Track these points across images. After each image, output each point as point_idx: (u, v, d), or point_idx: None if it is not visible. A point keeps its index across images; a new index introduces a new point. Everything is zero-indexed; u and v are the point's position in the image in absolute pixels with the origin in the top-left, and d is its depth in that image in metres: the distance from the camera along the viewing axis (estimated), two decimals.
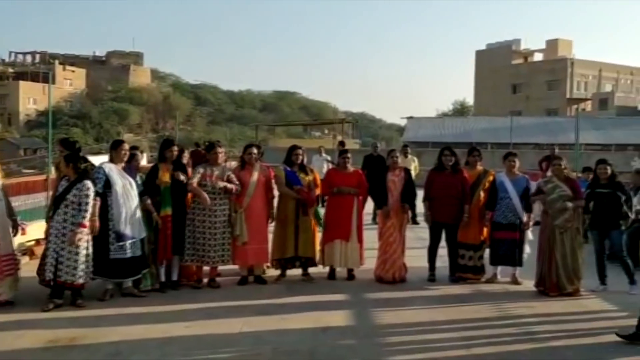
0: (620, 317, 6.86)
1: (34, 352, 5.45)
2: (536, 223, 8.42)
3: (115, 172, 7.13)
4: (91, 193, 6.66)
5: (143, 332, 5.98)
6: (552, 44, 71.24)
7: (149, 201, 7.40)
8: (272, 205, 8.25)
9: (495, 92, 67.55)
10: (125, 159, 7.35)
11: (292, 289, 7.85)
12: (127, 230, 7.04)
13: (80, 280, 6.68)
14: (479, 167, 8.50)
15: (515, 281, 8.25)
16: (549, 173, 9.23)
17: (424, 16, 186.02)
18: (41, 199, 11.10)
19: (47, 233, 6.94)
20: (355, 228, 8.27)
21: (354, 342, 5.87)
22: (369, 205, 9.06)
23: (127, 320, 6.37)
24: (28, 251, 9.39)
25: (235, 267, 8.16)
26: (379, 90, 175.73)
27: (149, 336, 5.88)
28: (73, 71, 78.84)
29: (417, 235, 10.84)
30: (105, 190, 7.00)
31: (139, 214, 7.21)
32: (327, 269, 8.44)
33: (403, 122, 56.91)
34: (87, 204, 6.62)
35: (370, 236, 8.73)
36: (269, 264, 8.38)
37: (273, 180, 8.33)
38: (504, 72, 68.44)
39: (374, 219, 11.77)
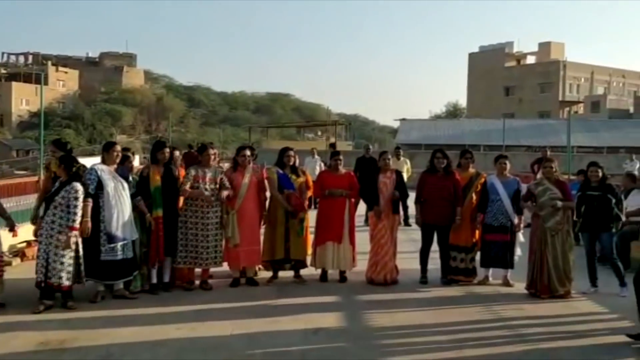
0: (611, 319, 6.91)
1: (25, 355, 5.42)
2: (527, 225, 8.45)
3: (107, 173, 7.12)
4: (80, 195, 6.63)
5: (134, 335, 5.96)
6: (545, 47, 71.54)
7: (142, 202, 7.39)
8: (264, 207, 8.25)
9: (488, 95, 67.77)
10: (118, 160, 7.34)
11: (284, 290, 7.85)
12: (118, 232, 7.03)
13: (67, 283, 6.64)
14: (471, 170, 8.52)
15: (506, 283, 8.27)
16: (539, 175, 9.26)
17: (417, 18, 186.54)
18: (33, 200, 11.00)
19: (35, 234, 6.95)
20: (348, 230, 8.28)
21: (346, 344, 5.87)
22: (362, 207, 9.07)
23: (118, 322, 6.35)
24: (19, 253, 9.36)
25: (227, 269, 8.15)
26: (372, 92, 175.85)
27: (140, 338, 5.86)
28: (66, 72, 78.56)
29: (410, 237, 10.86)
30: (97, 191, 6.99)
31: (130, 215, 7.19)
32: (319, 271, 8.43)
33: (396, 124, 57.14)
34: (75, 206, 6.60)
35: (363, 238, 8.74)
36: (260, 266, 8.39)
37: (266, 182, 8.33)
38: (497, 74, 68.67)
39: (366, 220, 11.78)
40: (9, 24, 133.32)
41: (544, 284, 7.68)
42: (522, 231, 8.41)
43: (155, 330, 6.13)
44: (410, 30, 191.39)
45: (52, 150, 7.79)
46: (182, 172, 7.89)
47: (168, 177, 7.62)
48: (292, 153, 8.32)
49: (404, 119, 51.77)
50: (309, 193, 8.61)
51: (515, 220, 8.21)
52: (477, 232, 8.33)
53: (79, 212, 6.62)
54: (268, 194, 8.33)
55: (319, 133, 69.02)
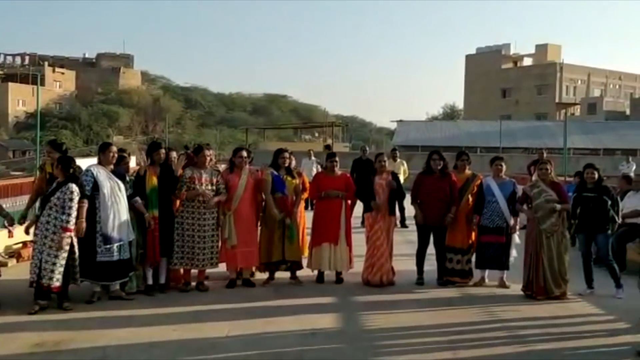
0: (607, 321, 6.93)
1: (20, 356, 5.41)
2: (523, 227, 8.47)
3: (103, 174, 7.11)
4: (75, 197, 6.62)
5: (130, 336, 5.95)
6: (542, 49, 71.77)
7: (140, 202, 7.38)
8: (261, 209, 8.25)
9: (485, 96, 67.94)
10: (114, 161, 7.33)
11: (281, 292, 7.85)
12: (114, 233, 7.01)
13: (57, 283, 6.61)
14: (468, 171, 8.54)
15: (502, 285, 8.28)
16: (534, 177, 9.27)
17: (415, 20, 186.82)
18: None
19: (27, 231, 7.00)
20: (344, 231, 8.29)
21: (342, 345, 5.87)
22: (358, 208, 9.07)
23: (114, 323, 6.34)
24: (15, 254, 9.34)
25: (224, 270, 8.15)
26: (369, 94, 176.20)
27: (136, 339, 5.85)
28: (63, 73, 78.54)
29: (406, 239, 10.86)
30: (93, 192, 6.98)
31: (127, 216, 7.18)
32: (315, 272, 8.43)
33: (393, 126, 57.15)
34: (70, 207, 6.59)
35: (360, 239, 8.75)
36: (255, 268, 8.37)
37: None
38: (494, 76, 68.85)
39: (362, 222, 11.79)
40: (6, 24, 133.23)
41: (540, 286, 7.69)
42: (517, 233, 8.42)
43: (151, 331, 6.12)
44: (408, 31, 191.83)
45: (48, 151, 7.77)
46: (181, 172, 7.86)
47: (164, 178, 7.62)
48: (286, 155, 8.31)
49: (401, 121, 51.83)
50: (305, 195, 8.62)
51: (511, 222, 8.22)
52: (473, 233, 8.34)
53: (73, 213, 6.61)
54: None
55: (316, 134, 69.07)
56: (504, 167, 8.46)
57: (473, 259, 8.41)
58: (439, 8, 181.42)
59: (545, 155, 12.92)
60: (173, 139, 54.37)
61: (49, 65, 77.52)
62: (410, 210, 8.80)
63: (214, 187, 7.81)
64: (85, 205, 6.77)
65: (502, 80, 69.03)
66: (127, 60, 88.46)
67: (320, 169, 14.14)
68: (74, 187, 6.65)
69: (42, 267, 6.57)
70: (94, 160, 7.81)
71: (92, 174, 7.05)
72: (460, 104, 79.33)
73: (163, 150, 7.77)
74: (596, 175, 8.05)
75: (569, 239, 8.04)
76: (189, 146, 15.38)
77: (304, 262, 8.43)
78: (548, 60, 69.09)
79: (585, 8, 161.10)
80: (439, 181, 8.27)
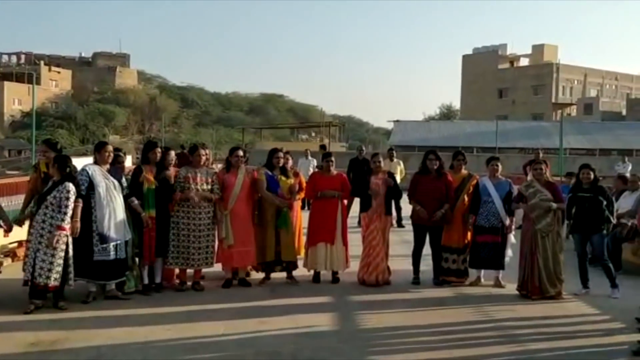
0: (602, 321, 6.94)
1: (16, 356, 5.40)
2: (519, 227, 8.48)
3: (98, 173, 7.10)
4: (71, 196, 6.61)
5: (125, 335, 5.95)
6: (538, 49, 71.88)
7: (136, 202, 7.37)
8: (256, 207, 8.23)
9: (482, 96, 68.03)
10: (109, 160, 7.32)
11: (276, 291, 7.85)
12: (110, 232, 7.00)
13: (54, 283, 6.61)
14: (464, 171, 8.55)
15: (498, 284, 8.30)
16: (529, 177, 9.29)
17: (411, 20, 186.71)
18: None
19: (20, 225, 7.01)
20: (340, 231, 8.29)
21: (337, 345, 5.88)
22: (355, 208, 9.07)
23: (109, 323, 6.33)
24: (10, 253, 9.33)
25: (220, 269, 8.14)
26: (366, 94, 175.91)
27: (132, 339, 5.85)
28: (59, 72, 78.36)
29: (402, 239, 10.87)
30: (89, 191, 6.97)
31: (123, 216, 7.17)
32: (312, 271, 8.44)
33: (390, 126, 57.15)
34: (66, 206, 6.58)
35: (356, 239, 8.75)
36: (251, 268, 8.38)
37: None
38: (490, 76, 68.95)
39: (359, 222, 11.80)
40: (2, 23, 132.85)
41: (535, 285, 7.71)
42: (513, 233, 8.44)
43: (146, 330, 6.12)
44: (405, 32, 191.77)
45: (43, 150, 7.72)
46: (174, 171, 7.85)
47: (161, 178, 7.61)
48: (281, 155, 8.31)
49: (397, 121, 51.88)
50: (302, 194, 8.62)
51: (507, 222, 8.24)
52: (469, 233, 8.35)
53: (69, 212, 6.60)
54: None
55: (313, 134, 69.07)
56: (500, 167, 8.48)
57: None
58: (435, 8, 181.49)
59: (541, 155, 12.97)
60: (169, 138, 54.32)
61: (45, 64, 77.28)
62: (406, 210, 8.80)
63: (210, 187, 7.81)
64: (80, 205, 6.76)
65: (499, 80, 69.13)
66: (123, 59, 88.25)
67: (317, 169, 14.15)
68: (71, 187, 6.64)
69: (36, 266, 6.55)
70: (90, 160, 7.80)
71: (88, 173, 7.05)
72: (457, 104, 79.49)
73: (159, 150, 7.76)
74: (592, 176, 8.07)
75: (564, 239, 8.05)
76: (185, 146, 15.39)
77: (300, 262, 8.43)
78: (544, 61, 69.20)
79: (581, 8, 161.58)
80: (435, 181, 8.28)
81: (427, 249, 8.48)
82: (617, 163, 24.26)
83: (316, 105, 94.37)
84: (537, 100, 66.09)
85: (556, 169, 16.84)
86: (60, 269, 6.63)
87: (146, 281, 7.58)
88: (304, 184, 8.63)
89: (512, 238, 8.45)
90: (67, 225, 6.60)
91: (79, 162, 7.83)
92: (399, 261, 8.89)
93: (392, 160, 14.81)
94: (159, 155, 7.70)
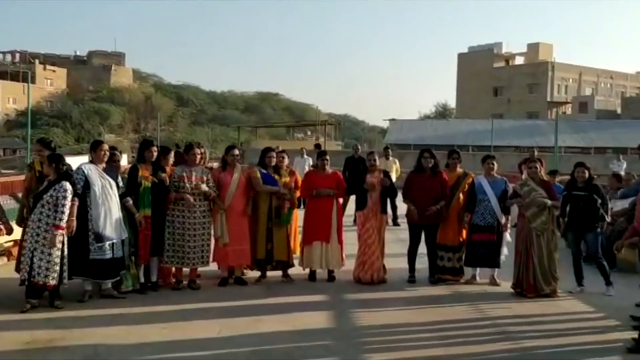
0: (596, 318, 6.97)
1: (12, 354, 5.40)
2: (514, 225, 8.50)
3: (94, 172, 7.09)
4: (68, 195, 6.60)
5: (121, 334, 5.95)
6: (533, 48, 71.99)
7: (130, 202, 7.37)
8: (251, 204, 8.21)
9: (477, 95, 68.11)
10: (105, 159, 7.30)
11: (272, 290, 7.86)
12: (106, 231, 7.00)
13: (53, 282, 6.61)
14: (459, 170, 8.57)
15: (493, 282, 8.32)
16: (524, 176, 9.31)
17: (407, 18, 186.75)
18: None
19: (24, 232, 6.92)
20: (335, 229, 8.30)
21: (332, 343, 5.89)
22: (351, 206, 9.09)
23: (105, 321, 6.33)
24: (6, 252, 9.30)
25: (216, 268, 8.15)
26: (362, 92, 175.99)
27: (128, 338, 5.85)
28: (54, 71, 78.20)
29: (398, 237, 10.89)
30: (85, 190, 6.96)
31: (119, 214, 7.16)
32: (307, 270, 8.44)
33: (385, 124, 57.25)
34: (63, 205, 6.57)
35: (351, 238, 8.77)
36: (247, 266, 8.38)
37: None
38: (486, 75, 69.02)
39: (354, 220, 11.82)
40: None
41: (530, 283, 7.73)
42: (509, 231, 8.46)
43: (142, 329, 6.13)
44: (400, 30, 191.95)
45: (37, 149, 7.67)
46: (169, 170, 7.85)
47: (156, 176, 7.60)
48: (273, 154, 8.30)
49: (393, 119, 51.97)
50: (297, 193, 8.62)
51: (503, 220, 8.26)
52: (464, 231, 8.37)
53: (67, 211, 6.59)
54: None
55: (309, 133, 69.13)
56: (496, 166, 8.50)
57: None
58: (431, 7, 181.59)
59: (536, 153, 12.97)
60: (165, 137, 54.30)
61: (40, 62, 77.16)
62: (402, 208, 8.82)
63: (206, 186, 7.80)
64: (76, 203, 6.75)
65: (494, 79, 69.22)
66: (118, 58, 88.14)
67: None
68: (68, 186, 6.63)
69: (34, 265, 6.54)
70: (85, 159, 7.78)
71: (84, 172, 7.03)
72: (452, 103, 79.58)
73: (155, 148, 7.74)
74: (587, 174, 8.09)
75: (559, 237, 8.08)
76: (180, 145, 15.37)
77: (296, 260, 8.44)
78: (540, 59, 69.33)
79: (577, 7, 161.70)
80: (430, 179, 8.29)
81: (422, 248, 8.49)
82: (612, 161, 24.31)
83: (312, 104, 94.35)
84: (532, 98, 66.19)
85: (551, 167, 16.87)
86: (58, 267, 6.63)
87: (142, 280, 7.58)
88: (300, 183, 8.63)
89: (507, 236, 8.47)
90: (64, 224, 6.59)
91: (74, 161, 7.82)
92: (395, 259, 8.90)
93: (387, 158, 14.83)
94: (155, 153, 7.69)
